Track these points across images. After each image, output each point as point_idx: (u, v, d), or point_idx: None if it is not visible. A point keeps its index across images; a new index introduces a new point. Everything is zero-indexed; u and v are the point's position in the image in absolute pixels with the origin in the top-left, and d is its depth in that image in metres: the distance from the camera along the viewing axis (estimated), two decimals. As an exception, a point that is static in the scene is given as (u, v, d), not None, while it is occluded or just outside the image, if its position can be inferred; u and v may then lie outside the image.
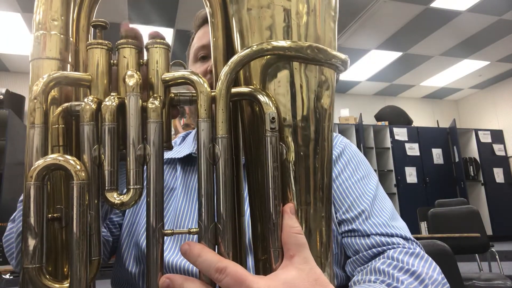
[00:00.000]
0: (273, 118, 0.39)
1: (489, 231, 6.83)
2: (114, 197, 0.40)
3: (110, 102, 0.40)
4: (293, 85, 0.41)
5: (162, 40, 0.42)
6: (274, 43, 0.40)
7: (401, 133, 7.51)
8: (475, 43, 6.35)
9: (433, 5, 5.14)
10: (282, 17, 0.41)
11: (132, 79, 0.40)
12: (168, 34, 5.44)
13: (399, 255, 0.66)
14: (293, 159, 0.41)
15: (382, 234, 0.71)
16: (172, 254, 0.72)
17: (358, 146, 6.99)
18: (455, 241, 3.33)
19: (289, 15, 0.41)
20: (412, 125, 7.82)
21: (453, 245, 1.82)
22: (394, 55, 6.69)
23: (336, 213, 0.77)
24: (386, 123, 7.66)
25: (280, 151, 0.40)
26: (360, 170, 0.82)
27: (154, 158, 0.40)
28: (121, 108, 0.41)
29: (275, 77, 0.41)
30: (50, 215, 0.42)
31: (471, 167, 7.64)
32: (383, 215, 0.75)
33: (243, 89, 0.41)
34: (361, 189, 0.78)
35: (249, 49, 0.39)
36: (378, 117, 7.94)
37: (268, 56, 0.41)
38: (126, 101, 0.40)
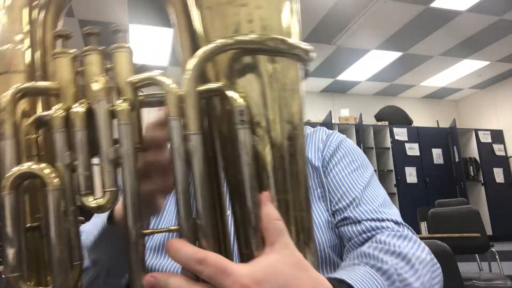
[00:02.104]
0: (241, 110, 0.40)
1: (489, 231, 6.82)
2: (90, 201, 0.40)
3: (78, 108, 0.41)
4: (259, 78, 0.43)
5: (124, 44, 0.43)
6: (237, 37, 0.41)
7: (401, 133, 7.52)
8: (475, 43, 6.35)
9: (433, 5, 5.14)
10: (243, 12, 0.42)
11: (97, 84, 0.41)
12: (168, 34, 5.45)
13: (387, 238, 0.66)
14: (266, 149, 0.42)
15: (372, 219, 0.71)
16: (157, 259, 0.73)
17: (358, 146, 7.00)
18: (455, 241, 3.33)
19: (250, 9, 0.42)
20: (412, 125, 7.83)
21: (453, 245, 1.81)
22: (394, 55, 6.70)
23: (330, 204, 0.77)
24: (386, 123, 7.67)
25: (252, 143, 0.41)
26: (355, 162, 0.82)
27: (127, 159, 0.40)
28: (91, 113, 0.42)
29: (241, 71, 0.43)
30: (29, 225, 0.42)
31: (471, 167, 7.64)
32: (375, 202, 0.74)
33: (211, 85, 0.42)
34: (354, 179, 0.78)
35: (213, 44, 0.41)
36: (378, 117, 7.95)
37: (233, 51, 0.42)
38: (93, 105, 0.41)
